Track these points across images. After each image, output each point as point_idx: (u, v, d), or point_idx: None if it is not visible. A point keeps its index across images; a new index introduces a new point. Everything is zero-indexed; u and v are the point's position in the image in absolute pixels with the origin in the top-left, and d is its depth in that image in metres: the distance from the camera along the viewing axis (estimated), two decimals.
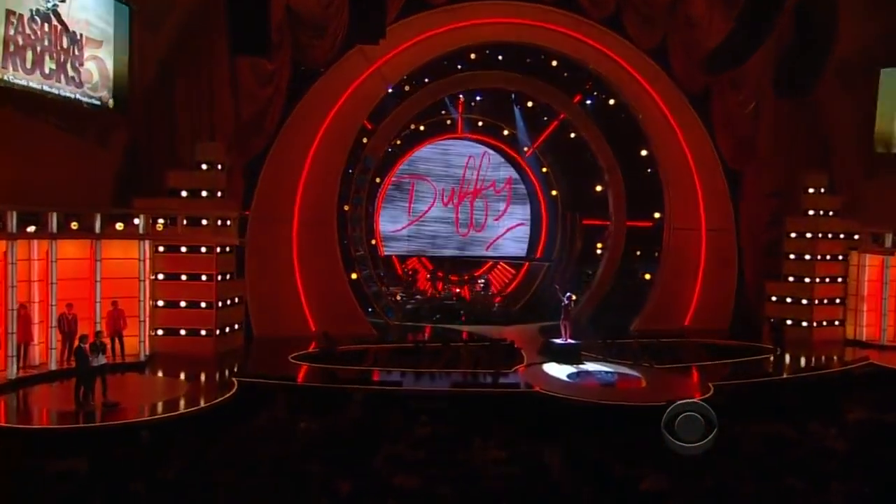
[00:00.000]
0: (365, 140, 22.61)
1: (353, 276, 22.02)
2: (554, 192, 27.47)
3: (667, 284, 22.78)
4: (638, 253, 24.45)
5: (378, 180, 25.46)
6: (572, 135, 25.32)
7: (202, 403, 13.72)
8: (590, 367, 17.68)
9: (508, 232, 27.71)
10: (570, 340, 18.53)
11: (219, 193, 17.99)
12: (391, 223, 26.35)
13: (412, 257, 27.32)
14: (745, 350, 19.49)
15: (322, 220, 20.65)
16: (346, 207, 22.30)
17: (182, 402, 13.79)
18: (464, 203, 27.09)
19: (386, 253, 26.53)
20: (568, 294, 19.01)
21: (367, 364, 17.51)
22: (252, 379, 15.30)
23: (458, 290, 26.34)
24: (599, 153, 24.29)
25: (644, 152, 23.44)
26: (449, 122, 26.37)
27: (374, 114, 21.92)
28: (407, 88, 22.85)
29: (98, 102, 16.40)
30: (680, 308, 22.76)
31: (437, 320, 23.19)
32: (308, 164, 20.44)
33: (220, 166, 18.09)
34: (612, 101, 23.49)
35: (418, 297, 25.45)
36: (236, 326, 18.64)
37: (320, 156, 20.56)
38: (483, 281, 26.58)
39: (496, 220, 27.53)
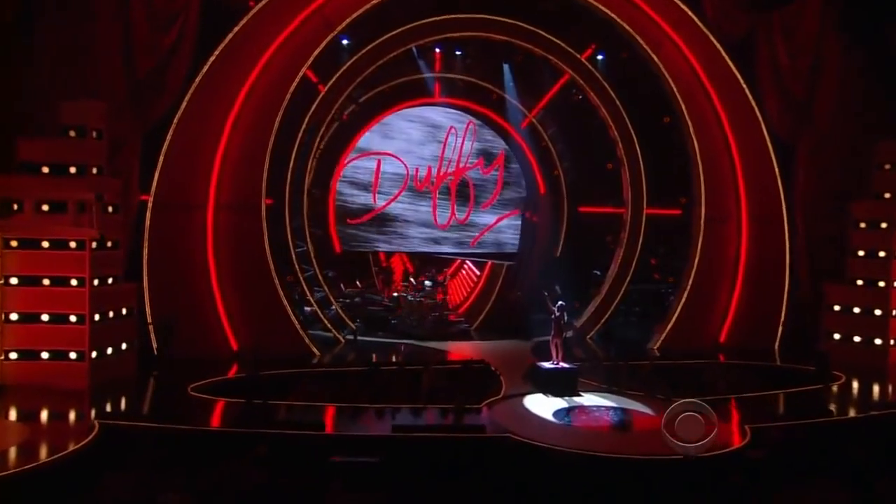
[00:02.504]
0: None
1: (289, 278, 20.40)
2: (555, 172, 25.98)
3: (697, 290, 21.73)
4: (660, 249, 23.70)
5: (330, 155, 23.46)
6: (579, 97, 24.03)
7: (34, 460, 11.49)
8: (587, 400, 16.15)
9: (500, 222, 26.06)
10: (562, 364, 16.81)
11: (94, 170, 16.29)
12: (350, 211, 24.40)
13: (395, 254, 26.25)
14: (799, 377, 17.80)
15: (247, 206, 19.25)
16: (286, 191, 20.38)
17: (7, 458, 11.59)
18: (443, 186, 25.55)
19: (344, 248, 24.46)
20: (560, 304, 17.05)
21: (291, 397, 15.60)
22: (121, 421, 13.56)
23: (395, 294, 25.21)
24: (611, 121, 22.83)
25: (667, 119, 22.41)
26: (422, 82, 24.64)
27: (320, 70, 20.46)
28: (361, 37, 20.87)
29: None
30: (714, 320, 21.91)
31: (357, 328, 22.07)
32: (227, 132, 19.04)
33: (95, 133, 16.38)
34: (625, 55, 22.41)
35: (345, 299, 24.22)
36: (124, 346, 16.70)
37: (244, 122, 19.22)
38: (415, 282, 25.28)
39: (483, 207, 25.97)
